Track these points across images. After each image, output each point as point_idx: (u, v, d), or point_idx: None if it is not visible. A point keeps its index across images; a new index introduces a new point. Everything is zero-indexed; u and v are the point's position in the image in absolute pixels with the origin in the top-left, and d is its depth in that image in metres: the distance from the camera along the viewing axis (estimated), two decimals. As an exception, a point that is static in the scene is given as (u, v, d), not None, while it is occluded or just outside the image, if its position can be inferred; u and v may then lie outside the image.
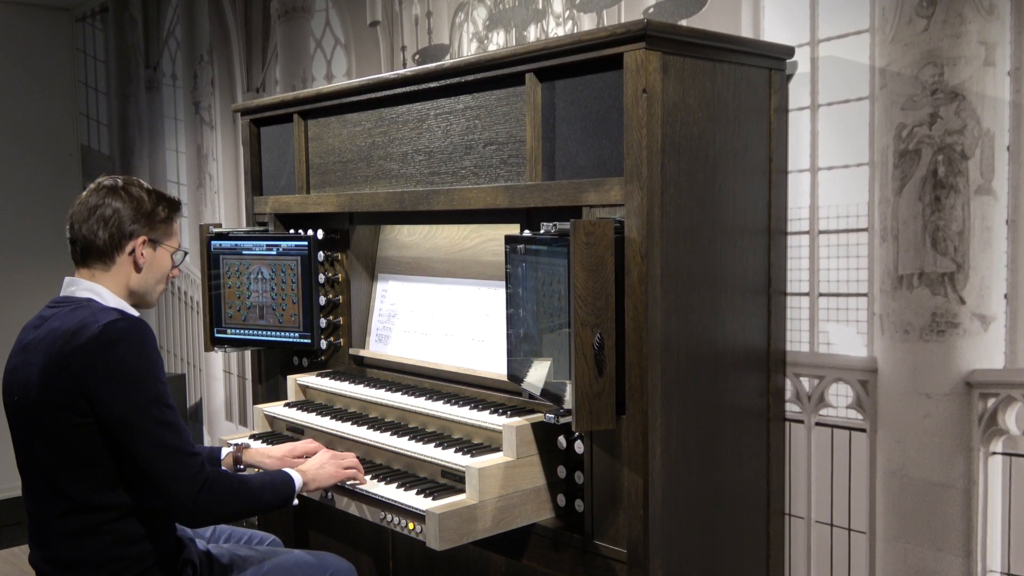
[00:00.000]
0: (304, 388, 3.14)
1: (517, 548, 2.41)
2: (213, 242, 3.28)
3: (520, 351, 2.34)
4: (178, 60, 5.14)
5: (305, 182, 3.19)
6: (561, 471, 2.35)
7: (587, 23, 2.91)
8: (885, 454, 2.30)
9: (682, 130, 2.15)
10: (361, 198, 2.90)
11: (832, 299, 2.37)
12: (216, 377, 5.04)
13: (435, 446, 2.48)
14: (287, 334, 3.15)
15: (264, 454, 2.63)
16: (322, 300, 3.16)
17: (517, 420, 2.35)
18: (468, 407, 2.57)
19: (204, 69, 4.90)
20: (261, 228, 3.34)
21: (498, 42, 3.25)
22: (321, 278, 3.16)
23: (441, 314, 2.90)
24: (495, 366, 2.64)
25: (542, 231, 2.19)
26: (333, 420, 2.84)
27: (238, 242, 3.24)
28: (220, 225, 3.36)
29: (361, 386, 2.92)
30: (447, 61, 2.84)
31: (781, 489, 2.49)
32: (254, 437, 2.99)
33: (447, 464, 2.39)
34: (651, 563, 2.14)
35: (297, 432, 2.95)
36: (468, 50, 3.37)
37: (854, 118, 2.31)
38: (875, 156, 2.27)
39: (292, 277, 3.12)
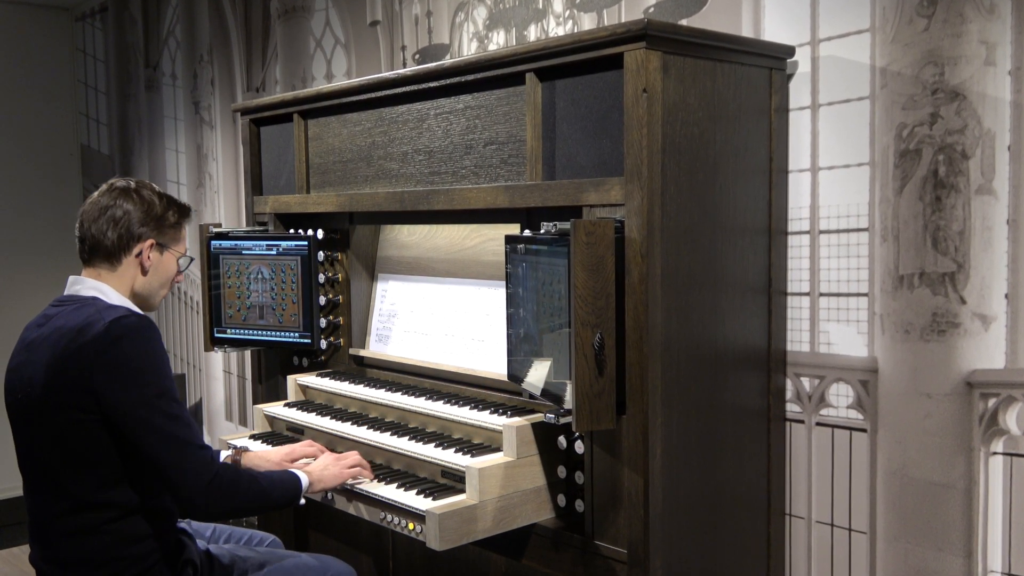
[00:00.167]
0: (304, 388, 3.14)
1: (517, 548, 2.41)
2: (213, 242, 3.28)
3: (520, 351, 2.34)
4: (178, 60, 5.13)
5: (305, 182, 3.19)
6: (561, 471, 2.35)
7: (587, 23, 2.91)
8: (886, 454, 2.30)
9: (682, 130, 2.15)
10: (361, 198, 2.90)
11: (833, 299, 2.37)
12: (216, 377, 5.04)
13: (435, 446, 2.48)
14: (287, 334, 3.15)
15: (262, 458, 2.62)
16: (322, 300, 3.16)
17: (517, 420, 2.35)
18: (468, 407, 2.57)
19: (204, 69, 4.90)
20: (261, 228, 3.34)
21: (498, 42, 3.24)
22: (321, 278, 3.16)
23: (441, 314, 2.90)
24: (495, 366, 2.63)
25: (542, 231, 2.19)
26: (333, 420, 2.83)
27: (238, 242, 3.24)
28: (220, 225, 3.36)
29: (361, 386, 2.92)
30: (447, 61, 2.83)
31: (781, 489, 2.48)
32: (254, 437, 2.99)
33: (447, 464, 2.39)
34: (651, 563, 2.14)
35: (297, 432, 2.95)
36: (468, 50, 3.36)
37: (855, 118, 2.30)
38: (876, 156, 2.27)
39: (292, 277, 3.11)
